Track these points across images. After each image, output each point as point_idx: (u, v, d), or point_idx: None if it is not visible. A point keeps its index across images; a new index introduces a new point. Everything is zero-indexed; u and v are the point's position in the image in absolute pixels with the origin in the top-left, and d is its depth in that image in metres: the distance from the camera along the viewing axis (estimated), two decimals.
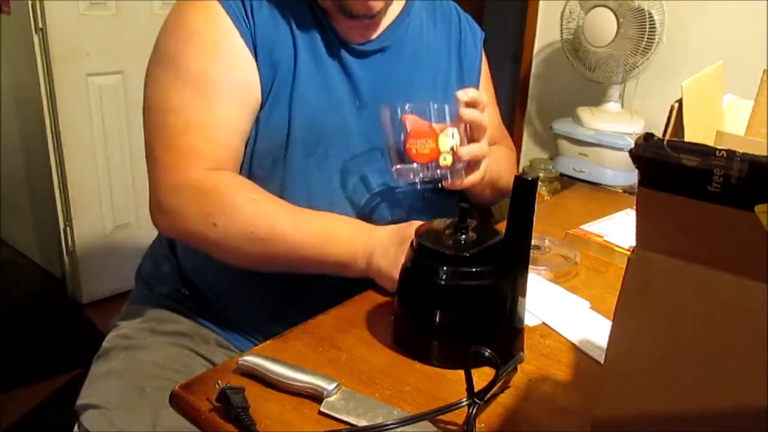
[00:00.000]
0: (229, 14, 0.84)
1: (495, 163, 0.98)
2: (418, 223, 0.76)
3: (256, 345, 0.90)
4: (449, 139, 0.83)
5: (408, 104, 0.83)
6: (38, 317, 2.29)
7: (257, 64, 0.85)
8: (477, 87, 1.06)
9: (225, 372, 0.65)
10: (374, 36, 0.94)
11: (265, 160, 0.88)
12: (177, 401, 0.63)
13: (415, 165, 0.83)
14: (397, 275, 0.72)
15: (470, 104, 0.84)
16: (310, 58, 0.88)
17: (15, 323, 2.21)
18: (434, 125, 0.83)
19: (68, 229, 2.28)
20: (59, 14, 2.06)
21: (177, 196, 0.81)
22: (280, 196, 0.85)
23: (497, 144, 1.11)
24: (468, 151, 0.85)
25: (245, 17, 0.85)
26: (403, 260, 0.72)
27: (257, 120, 0.87)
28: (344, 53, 0.91)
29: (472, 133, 0.86)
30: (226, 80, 0.83)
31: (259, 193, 0.82)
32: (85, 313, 2.30)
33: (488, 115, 1.11)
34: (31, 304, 2.37)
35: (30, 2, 2.03)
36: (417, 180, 0.84)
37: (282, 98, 0.86)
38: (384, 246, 0.80)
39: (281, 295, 0.91)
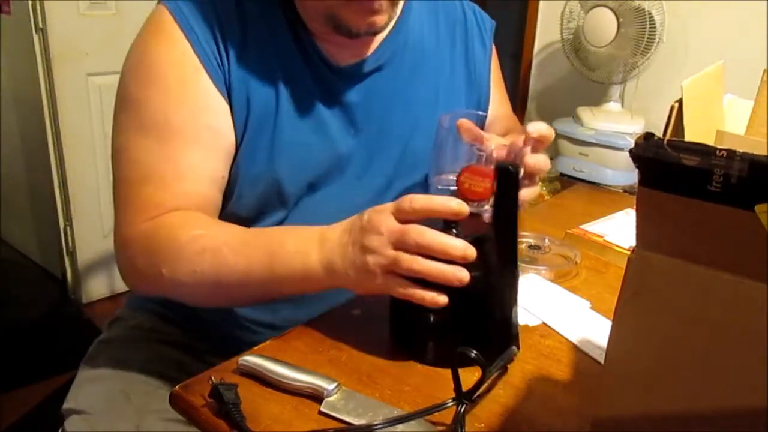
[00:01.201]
0: (197, 53, 0.76)
1: None
2: (372, 209, 0.67)
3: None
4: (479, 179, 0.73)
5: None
6: (38, 317, 2.29)
7: (231, 107, 0.78)
8: (488, 89, 1.00)
9: (225, 372, 0.65)
10: (368, 53, 0.85)
11: (256, 207, 0.83)
12: (177, 401, 0.63)
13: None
14: (365, 280, 0.65)
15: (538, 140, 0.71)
16: (295, 95, 0.81)
17: (15, 323, 2.21)
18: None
19: (68, 229, 2.28)
20: (59, 14, 2.06)
21: (126, 252, 0.77)
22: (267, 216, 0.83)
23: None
24: (529, 193, 0.73)
25: (217, 56, 0.77)
26: (367, 254, 0.64)
27: (236, 166, 0.80)
28: (335, 81, 0.83)
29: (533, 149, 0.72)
30: (192, 127, 0.76)
31: (205, 226, 0.74)
32: (85, 313, 2.30)
33: (503, 108, 1.06)
34: (31, 304, 2.37)
35: (30, 2, 2.04)
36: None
37: (262, 145, 0.80)
38: (341, 251, 0.67)
39: (274, 309, 0.89)
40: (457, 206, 0.63)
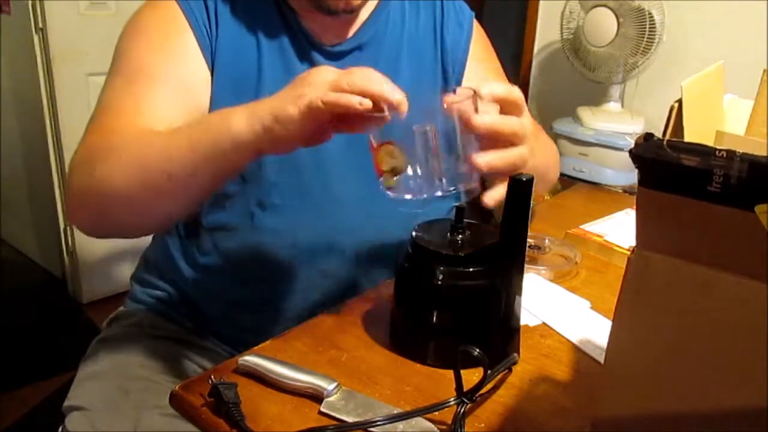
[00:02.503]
0: (187, 17, 0.80)
1: (542, 154, 0.84)
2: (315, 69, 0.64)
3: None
4: (388, 158, 0.66)
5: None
6: (38, 317, 2.29)
7: (212, 73, 0.81)
8: (463, 68, 0.98)
9: (225, 371, 0.65)
10: (350, 34, 0.89)
11: (234, 177, 0.82)
12: (176, 401, 0.63)
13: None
14: (301, 104, 0.60)
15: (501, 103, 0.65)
16: (278, 65, 0.84)
17: (15, 323, 2.21)
18: (372, 140, 0.67)
19: (68, 229, 2.28)
20: (59, 14, 2.06)
21: (71, 175, 0.76)
22: (259, 215, 0.83)
23: None
24: (486, 161, 0.63)
25: (206, 23, 0.81)
26: (303, 87, 0.61)
27: None
28: (317, 56, 0.86)
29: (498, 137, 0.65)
30: (164, 73, 0.78)
31: (145, 131, 0.74)
32: (85, 313, 2.30)
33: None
34: (31, 304, 2.37)
35: (30, 2, 2.03)
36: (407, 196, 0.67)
37: None
38: (270, 103, 0.63)
39: (270, 308, 0.90)
40: (398, 99, 0.60)
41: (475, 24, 1.02)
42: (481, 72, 1.00)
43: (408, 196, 0.67)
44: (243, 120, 0.64)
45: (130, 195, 0.72)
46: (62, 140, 2.15)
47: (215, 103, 0.81)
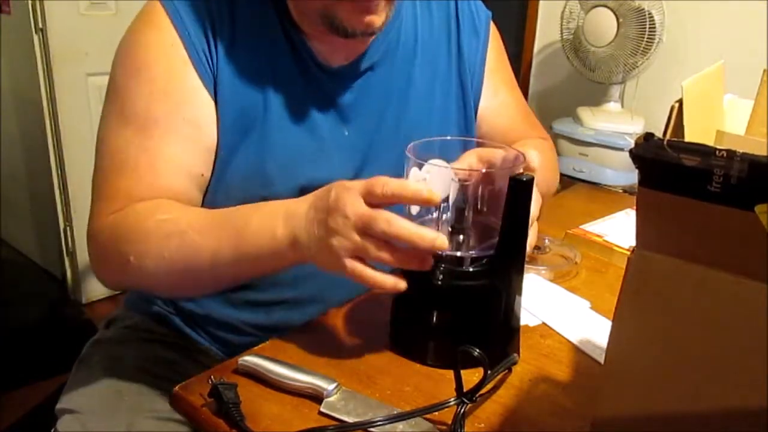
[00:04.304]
0: (185, 45, 0.75)
1: (543, 182, 0.82)
2: (341, 185, 0.63)
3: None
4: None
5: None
6: (38, 317, 2.29)
7: (216, 102, 0.77)
8: (481, 80, 0.97)
9: (225, 371, 0.65)
10: (359, 53, 0.83)
11: (240, 203, 0.80)
12: (176, 401, 0.63)
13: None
14: (329, 259, 0.62)
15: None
16: (285, 95, 0.80)
17: (15, 323, 2.21)
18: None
19: (68, 229, 2.28)
20: (59, 14, 2.06)
21: (94, 242, 0.75)
22: None
23: (529, 137, 0.98)
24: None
25: (206, 51, 0.76)
26: (331, 235, 0.61)
27: (220, 166, 0.79)
28: (326, 81, 0.82)
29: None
30: (173, 120, 0.75)
31: (170, 211, 0.73)
32: (85, 313, 2.30)
33: (509, 104, 1.00)
34: (31, 304, 2.37)
35: (30, 2, 2.03)
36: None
37: (250, 142, 0.78)
38: (306, 226, 0.64)
39: (268, 311, 0.88)
40: (428, 194, 0.60)
41: (492, 28, 0.99)
42: (494, 85, 0.98)
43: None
44: (285, 241, 0.66)
45: (170, 287, 0.76)
46: (62, 140, 2.15)
47: (223, 136, 0.78)
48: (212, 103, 0.77)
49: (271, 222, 0.67)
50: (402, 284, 0.63)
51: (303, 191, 0.81)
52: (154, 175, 0.75)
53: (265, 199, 0.79)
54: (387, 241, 0.61)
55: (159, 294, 0.80)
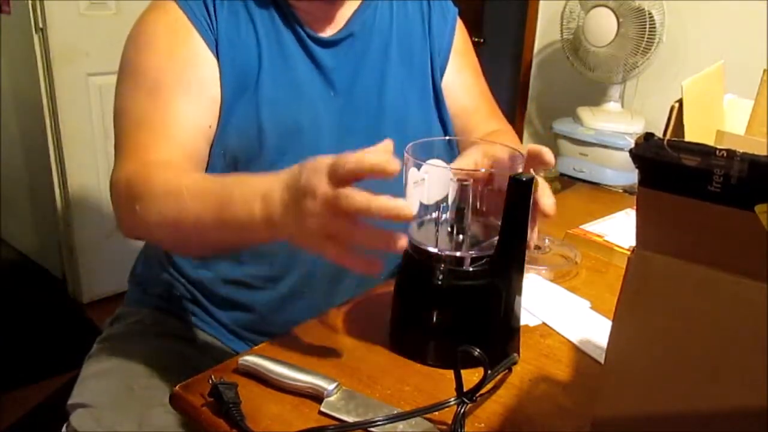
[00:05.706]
0: (188, 17, 0.85)
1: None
2: (310, 166, 0.62)
3: (247, 347, 0.90)
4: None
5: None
6: (38, 317, 2.29)
7: (219, 63, 0.86)
8: (446, 58, 1.04)
9: (225, 371, 0.65)
10: (341, 26, 0.94)
11: (239, 160, 0.87)
12: (177, 401, 0.63)
13: None
14: (305, 238, 0.63)
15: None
16: (276, 54, 0.89)
17: (15, 323, 2.21)
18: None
19: (68, 229, 2.28)
20: (59, 14, 2.06)
21: (114, 193, 0.82)
22: None
23: (494, 128, 1.04)
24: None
25: (206, 17, 0.86)
26: (306, 216, 0.61)
27: (221, 118, 0.86)
28: (312, 45, 0.91)
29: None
30: (181, 80, 0.84)
31: (176, 173, 0.78)
32: (85, 313, 2.30)
33: (472, 85, 1.08)
34: (31, 303, 2.37)
35: (30, 2, 2.04)
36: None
37: (246, 98, 0.86)
38: (281, 208, 0.65)
39: (273, 299, 0.91)
40: (387, 164, 0.58)
41: (459, 21, 1.07)
42: (458, 64, 1.05)
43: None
44: (261, 220, 0.66)
45: (167, 242, 0.83)
46: (62, 140, 2.15)
47: (225, 91, 0.86)
48: (215, 62, 0.86)
49: (250, 198, 0.68)
50: (376, 267, 0.61)
51: (293, 141, 0.88)
52: (168, 129, 0.83)
53: (254, 151, 0.87)
54: (357, 221, 0.60)
55: (164, 247, 0.88)
